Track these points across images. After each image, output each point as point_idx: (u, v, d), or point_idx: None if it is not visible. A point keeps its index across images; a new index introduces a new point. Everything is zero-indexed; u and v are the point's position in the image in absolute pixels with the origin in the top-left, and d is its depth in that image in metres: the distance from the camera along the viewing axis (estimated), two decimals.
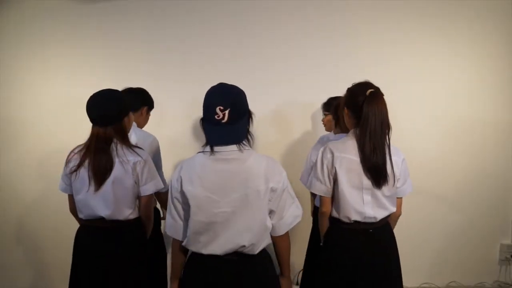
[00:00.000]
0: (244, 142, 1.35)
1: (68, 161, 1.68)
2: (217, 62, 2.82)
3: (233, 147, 1.32)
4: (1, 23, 2.74)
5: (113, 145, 1.65)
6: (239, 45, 2.83)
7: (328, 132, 2.46)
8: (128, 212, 1.71)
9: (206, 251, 1.33)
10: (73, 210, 1.80)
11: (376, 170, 1.54)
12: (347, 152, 1.58)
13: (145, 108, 2.24)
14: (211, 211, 1.31)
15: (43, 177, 2.80)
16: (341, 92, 1.81)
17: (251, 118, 1.39)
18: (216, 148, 1.32)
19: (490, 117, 2.90)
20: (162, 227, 2.39)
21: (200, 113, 1.37)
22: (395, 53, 2.84)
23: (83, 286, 1.71)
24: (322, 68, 2.84)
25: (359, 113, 1.54)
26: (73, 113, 2.68)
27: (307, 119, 2.91)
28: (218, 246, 1.32)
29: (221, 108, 1.28)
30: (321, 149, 1.65)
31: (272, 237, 1.42)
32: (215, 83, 1.38)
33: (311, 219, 2.36)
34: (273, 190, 1.33)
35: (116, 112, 1.66)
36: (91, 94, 1.67)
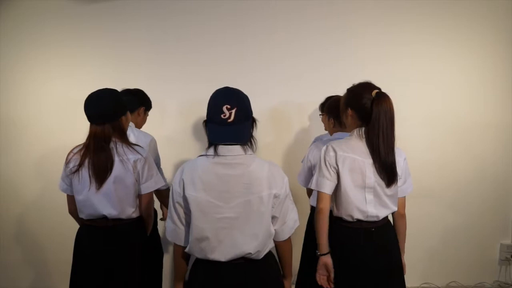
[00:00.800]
0: (248, 145, 1.35)
1: (68, 162, 1.68)
2: (217, 62, 2.82)
3: (238, 149, 1.31)
4: (1, 23, 2.74)
5: (112, 144, 1.65)
6: (239, 45, 2.83)
7: (322, 133, 2.47)
8: (131, 211, 1.72)
9: (210, 258, 1.31)
10: (73, 211, 1.80)
11: (391, 169, 1.56)
12: (350, 152, 1.58)
13: (142, 109, 2.28)
14: (213, 217, 1.30)
15: (42, 176, 2.80)
16: (340, 92, 1.81)
17: (255, 123, 1.40)
18: (220, 152, 1.31)
19: (490, 117, 2.90)
20: (161, 229, 2.39)
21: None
22: (394, 54, 2.84)
23: (84, 286, 1.70)
24: (322, 68, 2.84)
25: (366, 114, 1.55)
26: (73, 113, 2.68)
27: (306, 119, 2.91)
28: (222, 253, 1.30)
29: (228, 107, 1.28)
30: (323, 148, 1.64)
31: (276, 242, 1.42)
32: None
33: (306, 218, 2.35)
34: (276, 197, 1.33)
35: (113, 109, 1.67)
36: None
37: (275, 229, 1.38)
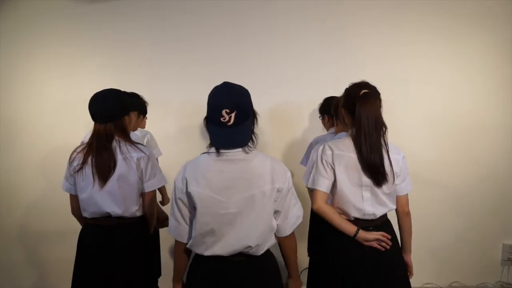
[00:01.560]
0: (249, 144, 1.34)
1: (71, 161, 1.70)
2: (217, 62, 2.82)
3: (238, 149, 1.32)
4: (2, 24, 2.75)
5: (115, 142, 1.67)
6: (239, 45, 2.83)
7: (323, 133, 2.48)
8: (134, 209, 1.72)
9: (211, 252, 1.32)
10: (76, 211, 1.79)
11: (375, 169, 1.55)
12: (345, 150, 1.58)
13: (134, 113, 2.23)
14: (217, 212, 1.30)
15: (44, 176, 2.80)
16: (340, 92, 1.80)
17: (256, 118, 1.38)
18: (221, 150, 1.32)
19: (491, 118, 2.89)
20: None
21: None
22: (394, 54, 2.84)
23: (87, 285, 1.70)
24: (322, 68, 2.84)
25: (354, 113, 1.56)
26: (74, 113, 2.69)
27: (305, 119, 2.91)
28: (223, 247, 1.31)
29: (227, 111, 1.27)
30: (320, 147, 1.65)
31: (279, 238, 1.42)
32: (215, 83, 1.37)
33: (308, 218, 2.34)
34: (278, 191, 1.33)
35: (115, 108, 1.69)
36: (91, 94, 1.70)
37: (277, 224, 1.38)
